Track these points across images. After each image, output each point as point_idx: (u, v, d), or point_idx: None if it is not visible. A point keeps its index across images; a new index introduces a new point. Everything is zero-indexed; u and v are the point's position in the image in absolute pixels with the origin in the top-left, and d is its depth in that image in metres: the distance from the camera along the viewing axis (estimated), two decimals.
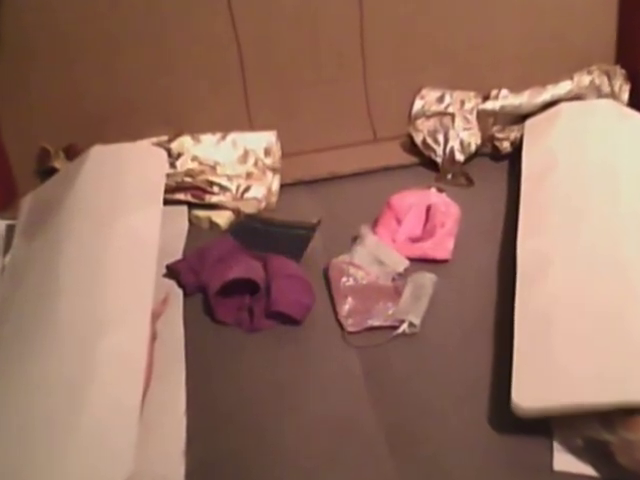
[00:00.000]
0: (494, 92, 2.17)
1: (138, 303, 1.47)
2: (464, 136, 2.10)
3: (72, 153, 2.02)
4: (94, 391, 1.28)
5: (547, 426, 1.31)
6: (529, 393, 1.30)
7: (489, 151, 2.14)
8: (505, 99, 2.15)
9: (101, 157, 1.79)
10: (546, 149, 1.88)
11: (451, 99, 2.19)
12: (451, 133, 2.10)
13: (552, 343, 1.36)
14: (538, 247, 1.58)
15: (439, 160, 2.10)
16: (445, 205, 1.86)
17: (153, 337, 1.52)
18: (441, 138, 2.11)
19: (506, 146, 2.10)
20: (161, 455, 1.34)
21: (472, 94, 2.19)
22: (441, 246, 1.78)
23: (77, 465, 1.19)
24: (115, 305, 1.44)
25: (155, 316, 1.56)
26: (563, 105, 2.05)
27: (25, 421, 1.25)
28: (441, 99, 2.20)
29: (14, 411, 1.27)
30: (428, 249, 1.77)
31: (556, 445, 1.30)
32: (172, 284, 1.74)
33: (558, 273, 1.49)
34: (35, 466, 1.19)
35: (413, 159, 2.15)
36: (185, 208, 2.02)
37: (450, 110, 2.17)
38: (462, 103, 2.17)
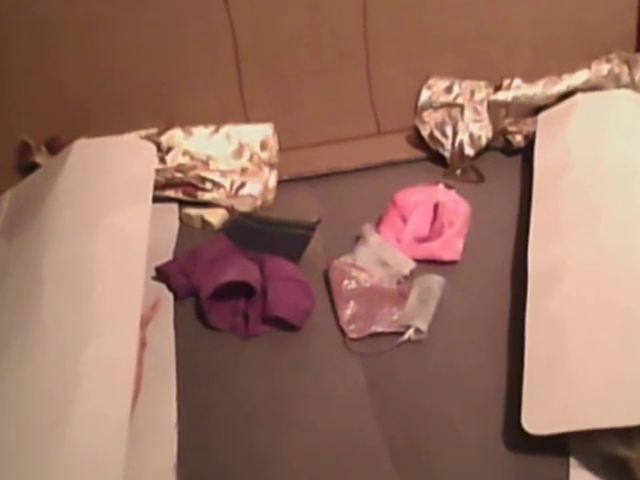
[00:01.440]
0: (506, 82, 2.17)
1: (126, 308, 1.46)
2: (474, 129, 2.10)
3: (55, 147, 2.02)
4: (79, 404, 1.27)
5: (564, 442, 1.31)
6: (540, 418, 1.29)
7: (501, 145, 2.14)
8: (518, 89, 2.15)
9: (85, 152, 1.79)
10: (561, 144, 1.87)
11: (460, 89, 2.19)
12: (460, 126, 2.10)
13: (565, 358, 1.35)
14: (551, 251, 1.57)
15: (447, 154, 2.10)
16: (454, 202, 1.85)
17: (142, 345, 1.51)
18: (449, 131, 2.11)
19: (519, 140, 2.10)
20: (151, 471, 1.33)
21: (482, 84, 2.19)
22: (450, 246, 1.77)
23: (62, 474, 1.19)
24: (101, 310, 1.44)
25: (144, 322, 1.55)
26: (579, 96, 2.05)
27: (4, 436, 1.24)
28: (449, 89, 2.20)
29: None
30: (436, 250, 1.77)
31: (573, 462, 1.29)
32: (162, 287, 1.74)
33: (573, 279, 1.49)
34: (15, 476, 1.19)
35: (419, 153, 2.15)
36: (175, 206, 2.01)
37: (459, 101, 2.17)
38: (472, 93, 2.17)
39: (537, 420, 1.29)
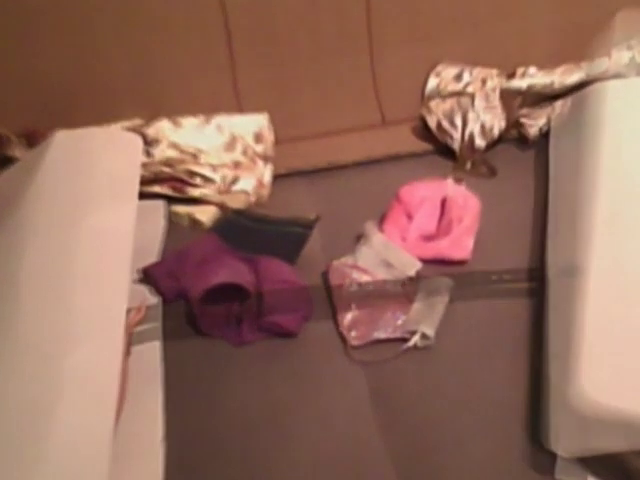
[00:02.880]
0: (520, 70, 2.17)
1: (109, 314, 1.45)
2: (486, 119, 2.09)
3: (33, 139, 2.02)
4: (60, 417, 1.27)
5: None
6: (565, 441, 1.30)
7: (515, 137, 2.14)
8: (533, 77, 2.14)
9: (66, 144, 1.78)
10: (578, 137, 1.86)
11: (470, 77, 2.19)
12: (470, 115, 2.10)
13: (588, 372, 1.34)
14: (572, 249, 1.56)
15: (456, 146, 2.10)
16: (463, 198, 1.85)
17: (127, 353, 1.51)
18: (459, 121, 2.10)
19: (534, 132, 2.10)
20: None
21: (495, 72, 2.19)
22: (459, 245, 1.77)
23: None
24: (83, 316, 1.43)
25: (129, 328, 1.55)
26: (598, 85, 2.04)
27: None
28: (459, 77, 2.21)
29: None
30: (444, 248, 1.76)
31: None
32: (148, 291, 1.73)
33: (595, 283, 1.48)
34: None
35: (427, 146, 2.15)
36: (162, 203, 2.01)
37: (469, 90, 2.16)
38: (483, 82, 2.18)
39: (563, 443, 1.29)
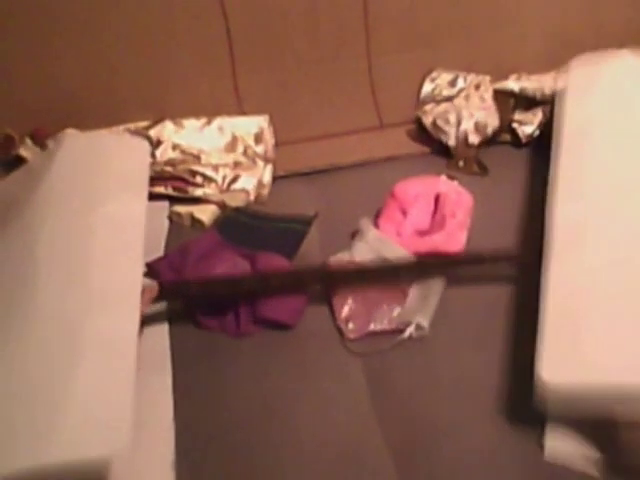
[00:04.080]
0: (513, 76, 2.16)
1: (126, 286, 1.48)
2: (480, 116, 2.09)
3: (39, 138, 2.03)
4: (81, 377, 1.30)
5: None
6: (557, 369, 1.28)
7: (508, 141, 2.13)
8: (526, 81, 2.13)
9: (76, 145, 1.80)
10: (588, 105, 1.82)
11: (465, 83, 2.19)
12: (464, 113, 2.09)
13: (584, 324, 1.34)
14: (575, 213, 1.54)
15: (451, 144, 2.08)
16: (456, 194, 1.84)
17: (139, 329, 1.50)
18: (453, 119, 2.09)
19: (527, 135, 2.09)
20: (150, 467, 1.35)
21: (488, 78, 2.18)
22: (453, 239, 1.76)
23: (66, 439, 1.21)
24: (102, 288, 1.46)
25: (143, 306, 1.53)
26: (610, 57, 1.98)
27: (7, 403, 1.28)
28: (453, 82, 2.20)
29: None
30: (438, 242, 1.75)
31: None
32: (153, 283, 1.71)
33: (595, 246, 1.47)
34: (19, 445, 1.21)
35: (422, 148, 2.14)
36: (166, 204, 2.01)
37: (463, 95, 2.16)
38: (477, 87, 2.17)
39: (556, 371, 1.27)
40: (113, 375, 1.31)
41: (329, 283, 1.67)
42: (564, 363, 1.29)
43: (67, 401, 1.26)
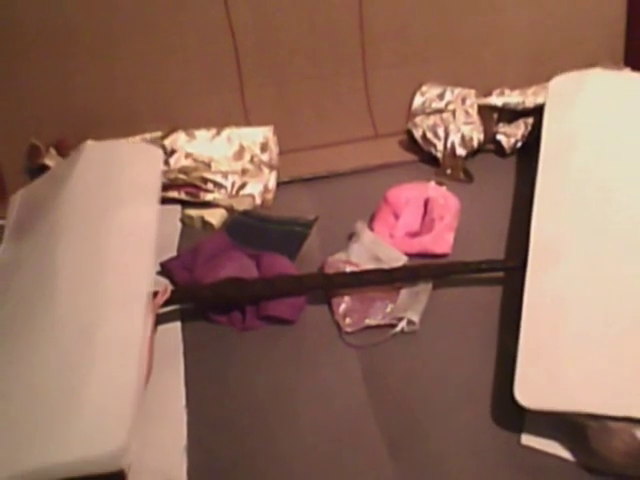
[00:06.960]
0: (496, 91, 2.17)
1: (136, 292, 1.48)
2: (465, 130, 2.11)
3: (63, 149, 2.04)
4: (94, 376, 1.30)
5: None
6: (533, 393, 1.30)
7: (493, 149, 2.15)
8: (508, 96, 2.14)
9: (96, 154, 1.80)
10: (569, 121, 1.80)
11: (452, 96, 2.20)
12: (452, 127, 2.11)
13: (561, 342, 1.35)
14: (554, 229, 1.53)
15: (440, 155, 2.10)
16: (444, 198, 1.86)
17: (153, 330, 1.51)
18: (441, 132, 2.11)
19: (510, 145, 2.11)
20: (162, 450, 1.36)
21: (473, 92, 2.19)
22: (441, 240, 1.78)
23: (78, 437, 1.22)
24: (114, 294, 1.46)
25: (156, 308, 1.55)
26: (590, 72, 1.97)
27: (22, 403, 1.29)
28: (442, 96, 2.21)
29: (16, 394, 1.31)
30: (428, 243, 1.77)
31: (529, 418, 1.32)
32: (166, 282, 1.73)
33: (573, 259, 1.47)
34: (35, 444, 1.22)
35: (413, 156, 2.16)
36: (178, 207, 2.02)
37: (451, 107, 2.17)
38: (463, 100, 2.18)
39: (530, 395, 1.29)
40: (123, 375, 1.31)
41: (329, 288, 1.68)
42: (539, 389, 1.30)
43: (79, 402, 1.27)
